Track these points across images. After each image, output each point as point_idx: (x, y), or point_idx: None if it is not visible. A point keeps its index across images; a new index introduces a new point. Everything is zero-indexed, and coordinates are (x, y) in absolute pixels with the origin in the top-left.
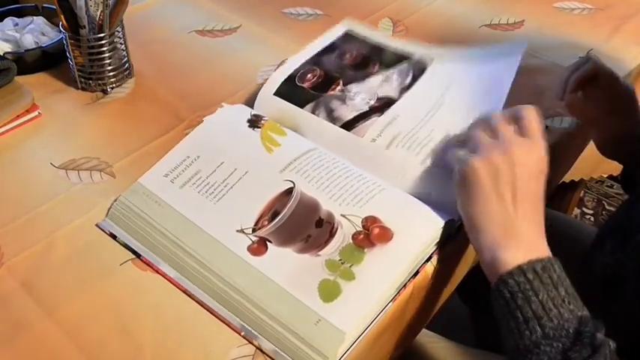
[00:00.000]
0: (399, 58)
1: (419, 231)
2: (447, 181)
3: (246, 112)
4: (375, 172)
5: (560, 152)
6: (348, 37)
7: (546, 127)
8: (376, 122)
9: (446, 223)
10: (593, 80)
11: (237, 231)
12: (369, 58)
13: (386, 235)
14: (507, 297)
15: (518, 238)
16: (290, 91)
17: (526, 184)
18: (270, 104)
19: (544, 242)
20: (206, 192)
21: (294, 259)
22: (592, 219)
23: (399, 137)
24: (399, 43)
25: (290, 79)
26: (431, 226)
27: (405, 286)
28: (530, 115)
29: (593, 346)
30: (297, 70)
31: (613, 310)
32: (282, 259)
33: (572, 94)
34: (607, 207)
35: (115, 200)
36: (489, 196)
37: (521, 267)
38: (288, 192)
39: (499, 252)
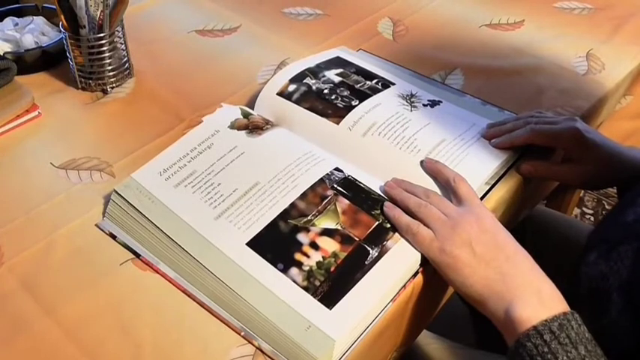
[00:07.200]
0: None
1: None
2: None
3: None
4: (352, 160)
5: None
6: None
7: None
8: (352, 112)
9: None
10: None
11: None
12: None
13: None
14: None
15: (523, 287)
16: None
17: (499, 236)
18: (271, 104)
19: (551, 284)
20: (201, 193)
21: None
22: (592, 219)
23: (374, 126)
24: (384, 73)
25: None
26: None
27: (405, 286)
28: (462, 185)
29: None
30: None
31: (602, 324)
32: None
33: (554, 164)
34: (607, 207)
35: (110, 194)
36: (476, 266)
37: (537, 328)
38: None
39: (510, 310)
